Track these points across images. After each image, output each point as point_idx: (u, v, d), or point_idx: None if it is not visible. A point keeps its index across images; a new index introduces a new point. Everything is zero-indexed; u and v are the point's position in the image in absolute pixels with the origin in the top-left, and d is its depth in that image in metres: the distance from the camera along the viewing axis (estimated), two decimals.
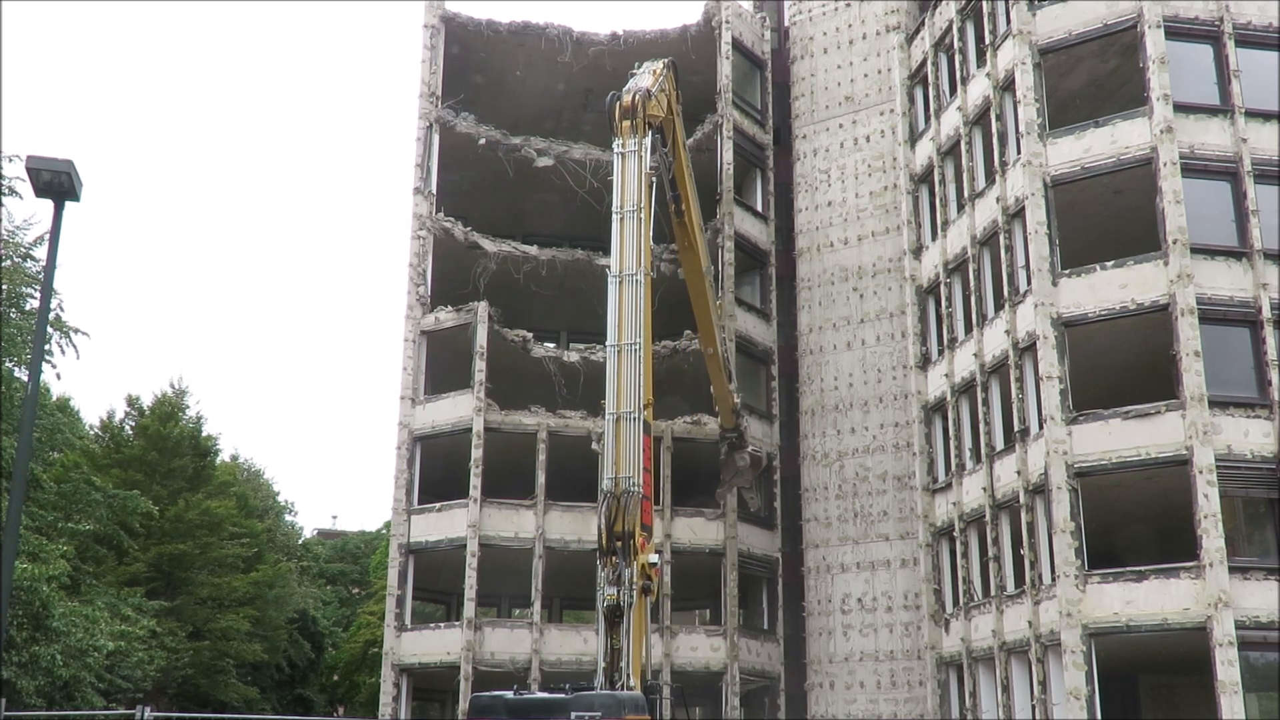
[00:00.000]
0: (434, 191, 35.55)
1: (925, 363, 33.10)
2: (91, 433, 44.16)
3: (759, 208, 38.07)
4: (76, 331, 26.50)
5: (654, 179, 23.13)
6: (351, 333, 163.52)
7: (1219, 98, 26.46)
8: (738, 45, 38.14)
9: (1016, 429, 27.48)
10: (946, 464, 31.61)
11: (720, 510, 33.64)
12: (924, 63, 34.31)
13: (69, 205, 14.57)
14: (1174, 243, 25.06)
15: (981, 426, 29.45)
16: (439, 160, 36.03)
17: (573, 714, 15.67)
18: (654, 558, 20.29)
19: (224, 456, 51.87)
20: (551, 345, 37.06)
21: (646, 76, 24.28)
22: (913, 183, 34.50)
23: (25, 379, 24.63)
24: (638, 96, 23.21)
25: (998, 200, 28.87)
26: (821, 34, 39.11)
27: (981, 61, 30.59)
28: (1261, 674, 23.86)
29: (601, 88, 28.42)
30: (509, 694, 16.64)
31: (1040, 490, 26.27)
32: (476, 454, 32.37)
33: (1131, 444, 24.91)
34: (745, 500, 34.14)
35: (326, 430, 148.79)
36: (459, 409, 33.17)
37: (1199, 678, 24.46)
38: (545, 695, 17.41)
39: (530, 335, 34.37)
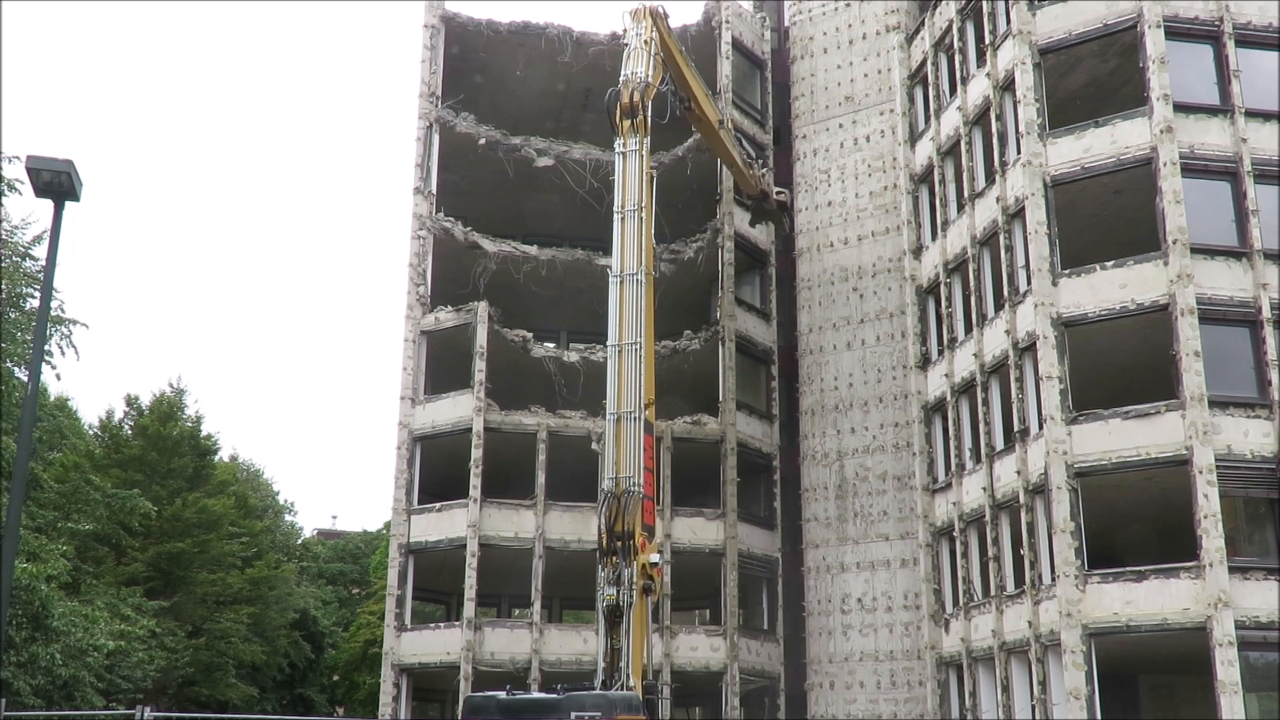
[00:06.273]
0: (434, 191, 35.52)
1: (925, 363, 33.08)
2: (91, 433, 44.13)
3: None
4: (75, 323, 26.48)
5: (654, 175, 23.36)
6: (352, 333, 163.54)
7: (1219, 98, 26.43)
8: (737, 45, 38.13)
9: (1016, 429, 27.45)
10: (946, 464, 31.58)
11: (720, 510, 33.65)
12: (924, 63, 34.29)
13: (69, 205, 14.58)
14: (1174, 243, 25.04)
15: (981, 426, 29.43)
16: (439, 160, 36.00)
17: (567, 714, 15.68)
18: (656, 557, 20.33)
19: (223, 456, 51.84)
20: (551, 345, 37.04)
21: (640, 55, 24.35)
22: (913, 183, 34.47)
23: (25, 378, 24.61)
24: (637, 93, 23.22)
25: (998, 200, 28.85)
26: (821, 34, 39.09)
27: (981, 61, 30.57)
28: (1261, 674, 23.84)
29: (601, 88, 28.41)
30: (501, 694, 16.69)
31: (1040, 490, 26.25)
32: (476, 454, 32.35)
33: (1131, 444, 24.89)
34: (781, 227, 35.79)
35: (326, 430, 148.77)
36: (459, 409, 33.16)
37: (1199, 678, 24.44)
38: (537, 695, 17.47)
39: (530, 335, 34.35)
